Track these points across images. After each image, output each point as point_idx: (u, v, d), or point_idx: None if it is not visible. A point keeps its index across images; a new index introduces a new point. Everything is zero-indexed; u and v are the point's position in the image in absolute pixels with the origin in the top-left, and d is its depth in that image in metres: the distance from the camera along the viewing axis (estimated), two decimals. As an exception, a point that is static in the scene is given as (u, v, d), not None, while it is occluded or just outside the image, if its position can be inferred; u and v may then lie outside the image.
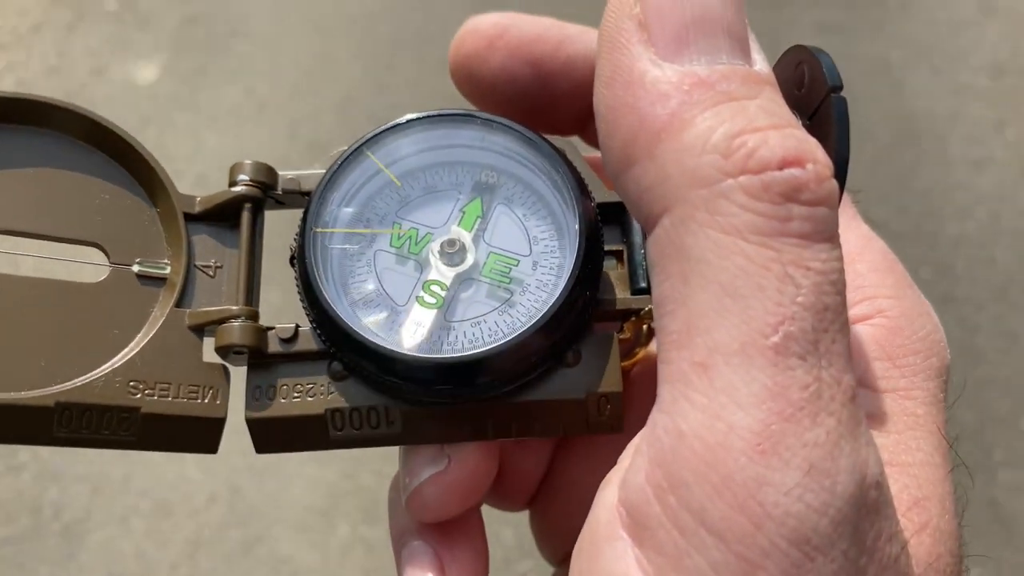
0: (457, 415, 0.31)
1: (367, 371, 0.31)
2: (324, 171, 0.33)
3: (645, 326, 0.34)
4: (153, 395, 0.31)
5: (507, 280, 0.32)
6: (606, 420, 0.31)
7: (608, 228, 0.33)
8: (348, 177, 0.33)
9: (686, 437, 0.22)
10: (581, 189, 0.33)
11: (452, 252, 0.33)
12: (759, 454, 0.21)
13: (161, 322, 0.32)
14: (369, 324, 0.32)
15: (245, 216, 0.33)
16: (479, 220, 0.33)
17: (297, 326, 0.32)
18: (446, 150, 0.34)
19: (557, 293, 0.31)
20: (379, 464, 1.25)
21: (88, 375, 0.30)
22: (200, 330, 0.32)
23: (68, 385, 0.30)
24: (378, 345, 0.30)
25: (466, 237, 0.33)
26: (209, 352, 0.32)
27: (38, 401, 0.29)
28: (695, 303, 0.23)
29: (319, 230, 0.32)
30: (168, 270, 0.33)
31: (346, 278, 0.33)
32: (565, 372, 0.31)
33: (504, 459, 0.37)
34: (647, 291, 0.32)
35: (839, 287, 0.23)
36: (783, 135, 0.23)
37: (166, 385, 0.31)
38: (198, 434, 0.31)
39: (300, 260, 0.32)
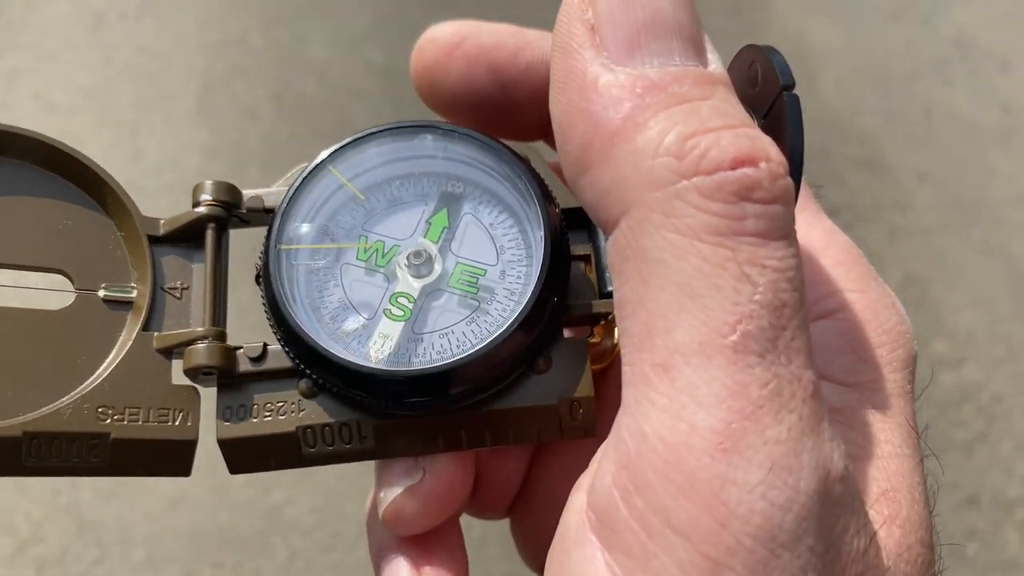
0: (430, 427, 0.31)
1: (337, 387, 0.31)
2: (286, 188, 0.33)
3: (616, 330, 0.34)
4: (123, 420, 0.30)
5: (475, 290, 0.32)
6: (579, 425, 0.31)
7: (575, 233, 0.34)
8: (311, 193, 0.33)
9: (649, 438, 0.22)
10: (545, 195, 0.33)
11: (419, 263, 0.33)
12: (721, 453, 0.21)
13: (128, 346, 0.32)
14: (336, 339, 0.32)
15: (209, 236, 0.33)
16: (445, 231, 0.33)
17: (265, 344, 0.32)
18: (408, 161, 0.34)
19: (524, 300, 0.31)
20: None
21: (56, 403, 0.30)
22: (168, 352, 0.32)
23: (36, 414, 0.29)
24: (346, 360, 0.30)
25: (432, 248, 0.33)
26: (178, 374, 0.32)
27: (5, 432, 0.29)
28: (654, 304, 0.23)
29: (283, 247, 0.32)
30: (135, 294, 0.33)
31: (313, 294, 0.33)
32: (536, 379, 0.31)
33: (481, 468, 0.37)
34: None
35: (796, 284, 0.23)
36: (735, 135, 0.23)
37: (136, 409, 0.31)
38: (170, 457, 0.31)
39: (265, 278, 0.32)
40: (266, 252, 0.32)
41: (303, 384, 0.31)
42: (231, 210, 0.34)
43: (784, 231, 0.23)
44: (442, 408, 0.31)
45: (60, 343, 0.31)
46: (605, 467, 0.24)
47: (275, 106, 1.58)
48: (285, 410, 0.31)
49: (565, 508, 0.26)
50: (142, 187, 1.41)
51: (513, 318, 0.31)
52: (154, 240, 0.33)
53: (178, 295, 0.33)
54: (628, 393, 0.24)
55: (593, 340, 0.33)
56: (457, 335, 0.32)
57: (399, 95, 1.51)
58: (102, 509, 1.24)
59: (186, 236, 0.34)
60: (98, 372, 0.31)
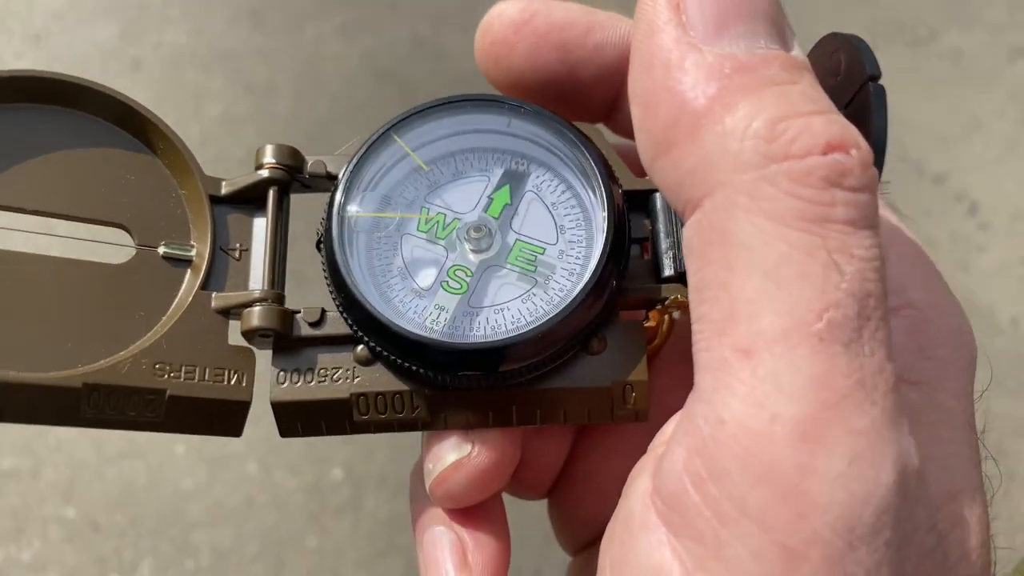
0: (482, 401, 0.31)
1: (393, 355, 0.31)
2: (351, 155, 0.33)
3: (668, 315, 0.34)
4: (179, 377, 0.31)
5: (532, 268, 0.32)
6: (631, 409, 0.31)
7: (634, 215, 0.33)
8: (375, 161, 0.33)
9: (727, 425, 0.22)
10: (609, 176, 0.33)
11: (479, 238, 0.33)
12: (803, 443, 0.21)
13: (187, 305, 0.32)
14: (394, 308, 0.32)
15: (271, 199, 0.33)
16: (507, 207, 0.33)
17: (323, 310, 0.32)
18: (473, 135, 0.34)
19: (583, 281, 0.31)
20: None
21: (115, 356, 0.30)
22: (226, 313, 0.32)
23: (95, 366, 0.30)
24: (403, 329, 0.30)
25: (493, 223, 0.33)
26: (235, 335, 0.32)
27: (66, 382, 0.29)
28: (738, 289, 0.23)
29: (346, 214, 0.32)
30: (193, 252, 0.33)
31: (372, 262, 0.32)
32: (591, 360, 0.31)
33: (525, 447, 0.37)
34: (672, 279, 0.32)
35: (881, 274, 0.23)
36: (827, 120, 0.23)
37: (192, 367, 0.31)
38: (223, 417, 0.31)
39: (327, 244, 0.32)
40: (328, 218, 0.32)
41: (360, 351, 0.31)
42: (293, 174, 0.34)
43: (871, 220, 0.23)
44: (495, 383, 0.31)
45: (119, 297, 0.31)
46: (674, 452, 0.24)
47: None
48: (340, 376, 0.31)
49: (625, 492, 0.26)
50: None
51: (573, 297, 0.31)
52: (215, 200, 0.33)
53: (237, 256, 0.33)
54: (704, 379, 0.24)
55: (648, 324, 0.33)
56: (512, 312, 0.32)
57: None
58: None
59: (247, 198, 0.34)
60: (156, 328, 0.31)
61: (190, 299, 0.32)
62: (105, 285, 0.31)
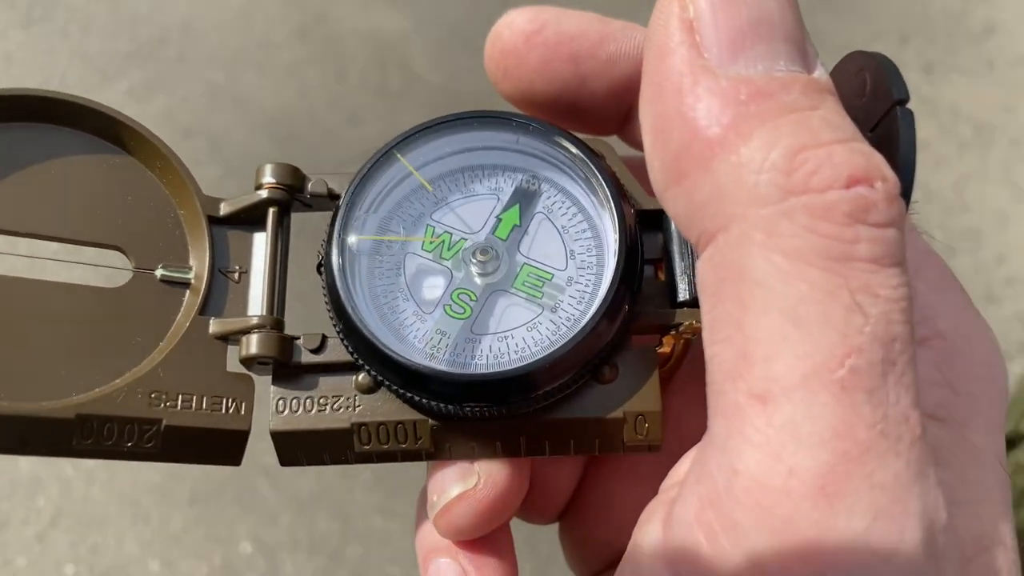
0: (488, 431, 0.30)
1: (395, 384, 0.30)
2: (353, 174, 0.32)
3: (682, 341, 0.33)
4: (176, 406, 0.30)
5: (539, 294, 0.31)
6: (643, 440, 0.30)
7: (647, 236, 0.32)
8: (378, 181, 0.32)
9: (741, 477, 0.21)
10: (620, 196, 0.31)
11: (485, 261, 0.31)
12: (823, 498, 0.20)
13: (184, 330, 0.31)
14: (394, 332, 0.30)
15: (271, 220, 0.32)
16: (516, 228, 0.32)
17: (324, 336, 0.31)
18: (480, 152, 0.33)
19: (594, 306, 0.30)
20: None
21: (109, 385, 0.29)
22: (225, 339, 0.31)
23: (89, 396, 0.29)
24: (405, 359, 0.29)
25: (500, 246, 0.32)
26: (233, 361, 0.31)
27: (58, 412, 0.28)
28: (753, 330, 0.21)
29: (347, 236, 0.31)
30: (192, 275, 0.32)
31: (374, 284, 0.31)
32: (602, 388, 0.30)
33: (535, 472, 0.36)
34: (688, 304, 0.31)
35: (908, 315, 0.21)
36: (849, 150, 0.22)
37: (189, 396, 0.30)
38: (221, 447, 0.30)
39: (327, 269, 0.31)
40: (328, 241, 0.31)
41: (361, 378, 0.30)
42: (294, 194, 0.33)
43: (898, 257, 0.21)
44: (502, 413, 0.30)
45: (115, 322, 0.31)
46: (687, 501, 0.22)
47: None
48: (340, 405, 0.30)
49: (635, 537, 0.25)
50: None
51: (583, 324, 0.29)
52: (214, 221, 0.32)
53: (236, 278, 0.32)
54: (717, 424, 0.22)
55: (662, 350, 0.32)
56: (517, 340, 0.30)
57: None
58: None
59: (247, 218, 0.33)
60: (153, 355, 0.30)
61: (188, 324, 0.31)
62: (100, 310, 0.31)
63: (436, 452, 0.31)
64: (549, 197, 0.33)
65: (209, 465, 0.31)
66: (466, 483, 0.31)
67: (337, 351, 0.31)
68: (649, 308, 0.31)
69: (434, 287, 0.31)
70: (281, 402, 0.31)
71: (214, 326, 0.31)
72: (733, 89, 0.23)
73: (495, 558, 0.33)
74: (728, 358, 0.22)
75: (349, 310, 0.30)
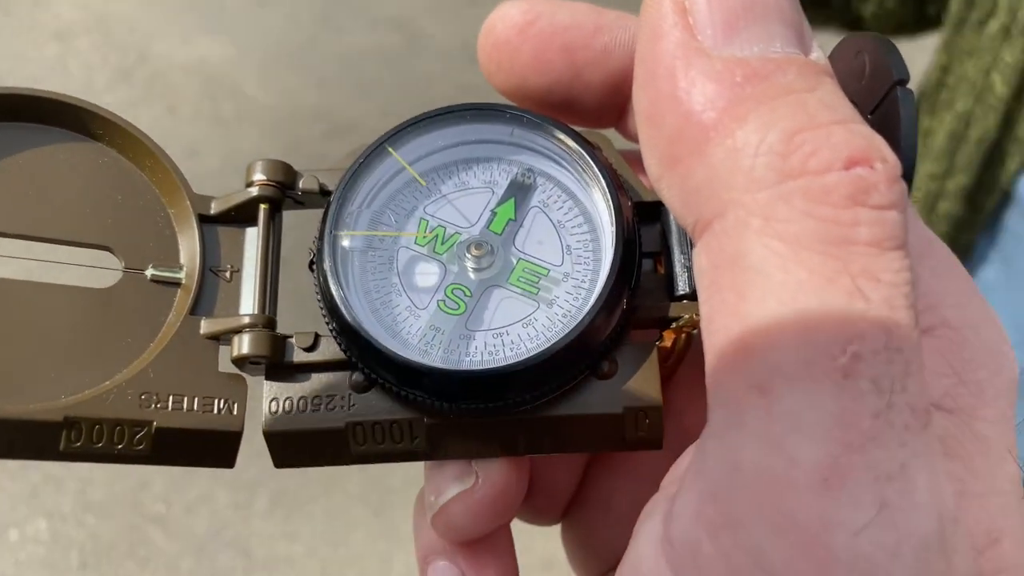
0: (486, 429, 0.29)
1: (389, 383, 0.29)
2: (345, 170, 0.31)
3: (683, 335, 0.32)
4: (167, 408, 0.29)
5: (535, 290, 0.30)
6: (645, 436, 0.29)
7: (646, 229, 0.31)
8: (370, 176, 0.31)
9: (742, 470, 0.20)
10: (617, 188, 0.31)
11: (479, 256, 0.31)
12: (826, 490, 0.19)
13: (175, 330, 0.30)
14: (387, 328, 0.30)
15: (262, 217, 0.32)
16: (511, 223, 0.32)
17: (317, 334, 0.30)
18: (474, 146, 0.32)
19: (591, 300, 0.29)
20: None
21: (99, 387, 0.29)
22: (216, 338, 0.31)
23: (78, 398, 0.28)
24: (399, 356, 0.28)
25: (495, 240, 0.31)
26: (225, 361, 0.31)
27: (46, 415, 0.27)
28: (752, 319, 0.21)
29: (339, 232, 0.31)
30: (182, 275, 0.31)
31: (367, 280, 0.31)
32: (601, 384, 0.29)
33: (535, 472, 0.35)
34: (687, 297, 0.30)
35: (911, 300, 0.21)
36: (848, 131, 0.21)
37: (180, 397, 0.29)
38: (214, 448, 0.30)
39: (319, 266, 0.30)
40: (320, 238, 0.31)
41: (355, 377, 0.30)
42: (285, 191, 0.32)
43: (899, 240, 0.21)
44: (499, 411, 0.29)
45: (104, 323, 0.30)
46: (687, 497, 0.22)
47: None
48: (335, 404, 0.30)
49: (635, 535, 0.24)
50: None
51: (580, 318, 0.29)
52: (205, 219, 0.32)
53: (228, 277, 0.32)
54: (717, 416, 0.22)
55: (662, 344, 0.31)
56: (512, 336, 0.30)
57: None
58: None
59: (238, 217, 0.32)
60: (143, 356, 0.30)
61: (178, 324, 0.30)
62: (90, 311, 0.30)
63: (433, 451, 0.30)
64: (545, 191, 0.32)
65: (201, 467, 0.30)
66: (464, 483, 0.30)
67: (331, 349, 0.30)
68: (648, 302, 0.31)
69: (428, 282, 0.31)
70: (274, 402, 0.30)
71: (205, 326, 0.30)
72: (728, 71, 0.22)
73: (494, 559, 0.32)
74: (726, 348, 0.21)
75: (341, 307, 0.29)
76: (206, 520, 1.21)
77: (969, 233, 0.72)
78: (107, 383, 0.29)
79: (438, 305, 0.30)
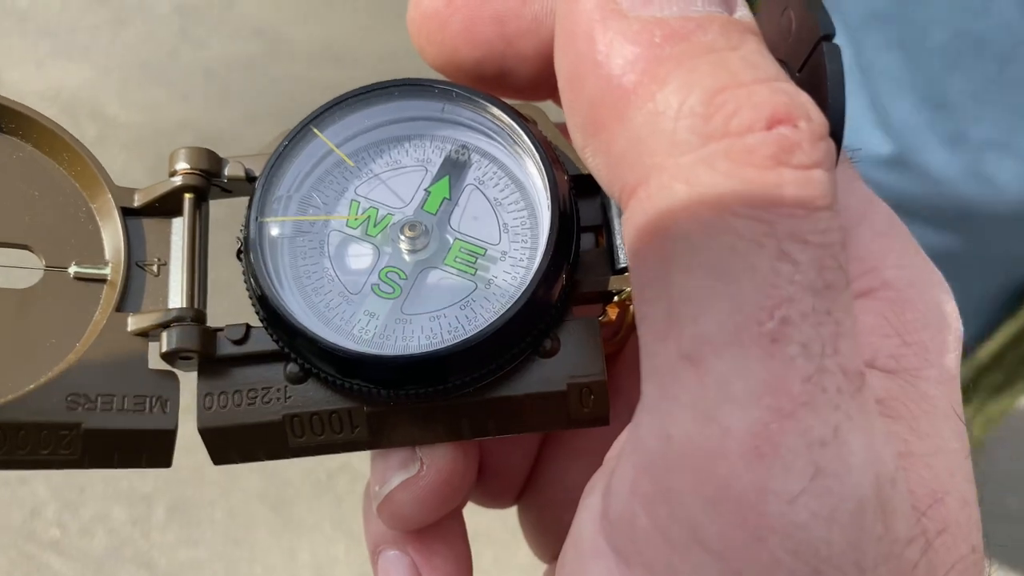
0: (428, 415, 0.29)
1: (325, 372, 0.28)
2: (269, 155, 0.30)
3: (631, 308, 0.31)
4: (95, 409, 0.28)
5: (472, 270, 0.30)
6: (590, 413, 0.29)
7: (585, 203, 0.31)
8: (296, 159, 0.30)
9: (674, 441, 0.20)
10: (552, 161, 0.30)
11: (414, 237, 0.30)
12: (758, 458, 0.19)
13: (101, 328, 0.29)
14: (320, 316, 0.29)
15: (187, 208, 0.31)
16: (445, 202, 0.31)
17: (248, 326, 0.29)
18: (404, 124, 0.31)
19: (529, 278, 0.28)
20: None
21: (22, 391, 0.27)
22: (145, 335, 0.30)
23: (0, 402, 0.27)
24: (332, 344, 0.27)
25: (430, 221, 0.30)
26: (155, 357, 0.29)
27: None
28: (679, 288, 0.20)
29: (266, 219, 0.30)
30: (107, 271, 0.30)
31: (297, 266, 0.30)
32: (544, 363, 0.29)
33: (486, 455, 0.34)
34: (627, 270, 0.30)
35: (841, 260, 0.20)
36: (771, 90, 0.20)
37: (109, 397, 0.28)
38: (148, 448, 0.29)
39: (246, 254, 0.29)
40: (247, 226, 0.30)
41: (290, 368, 0.29)
42: (210, 179, 0.31)
43: (827, 200, 0.20)
44: (440, 395, 0.28)
45: (27, 325, 0.29)
46: (623, 470, 0.21)
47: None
48: (270, 397, 0.29)
49: (578, 510, 0.23)
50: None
51: (517, 297, 0.28)
52: (128, 212, 0.31)
53: (155, 271, 0.31)
54: (649, 388, 0.21)
55: (605, 319, 0.31)
56: (450, 319, 0.29)
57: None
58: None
59: (163, 208, 0.31)
60: (69, 356, 0.29)
61: (104, 322, 0.29)
62: (10, 312, 0.29)
63: (375, 440, 0.29)
64: (480, 168, 0.31)
65: (137, 468, 0.29)
66: (408, 470, 0.29)
67: (263, 341, 0.29)
68: (590, 277, 0.30)
69: (361, 266, 0.30)
70: (208, 398, 0.29)
71: (133, 322, 0.29)
72: (646, 32, 0.21)
73: (446, 547, 0.31)
74: (656, 319, 0.21)
75: (270, 296, 0.28)
76: (104, 539, 1.19)
77: None
78: (31, 386, 0.28)
79: (372, 289, 0.29)
